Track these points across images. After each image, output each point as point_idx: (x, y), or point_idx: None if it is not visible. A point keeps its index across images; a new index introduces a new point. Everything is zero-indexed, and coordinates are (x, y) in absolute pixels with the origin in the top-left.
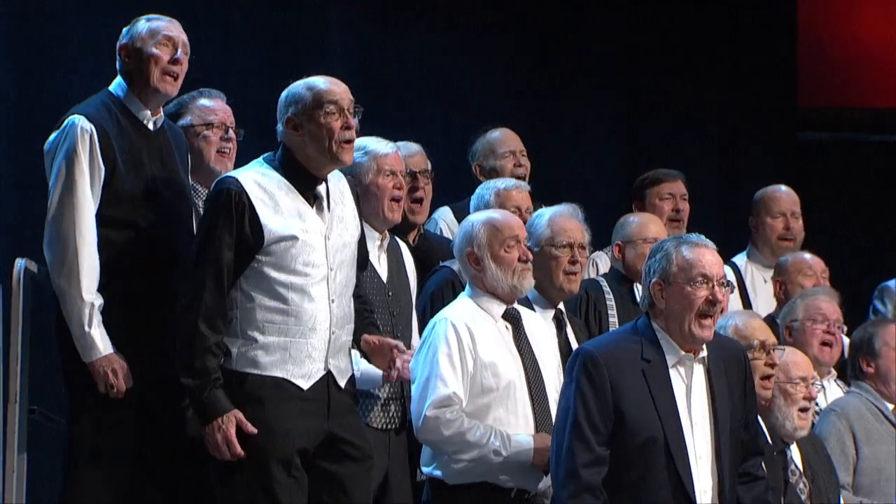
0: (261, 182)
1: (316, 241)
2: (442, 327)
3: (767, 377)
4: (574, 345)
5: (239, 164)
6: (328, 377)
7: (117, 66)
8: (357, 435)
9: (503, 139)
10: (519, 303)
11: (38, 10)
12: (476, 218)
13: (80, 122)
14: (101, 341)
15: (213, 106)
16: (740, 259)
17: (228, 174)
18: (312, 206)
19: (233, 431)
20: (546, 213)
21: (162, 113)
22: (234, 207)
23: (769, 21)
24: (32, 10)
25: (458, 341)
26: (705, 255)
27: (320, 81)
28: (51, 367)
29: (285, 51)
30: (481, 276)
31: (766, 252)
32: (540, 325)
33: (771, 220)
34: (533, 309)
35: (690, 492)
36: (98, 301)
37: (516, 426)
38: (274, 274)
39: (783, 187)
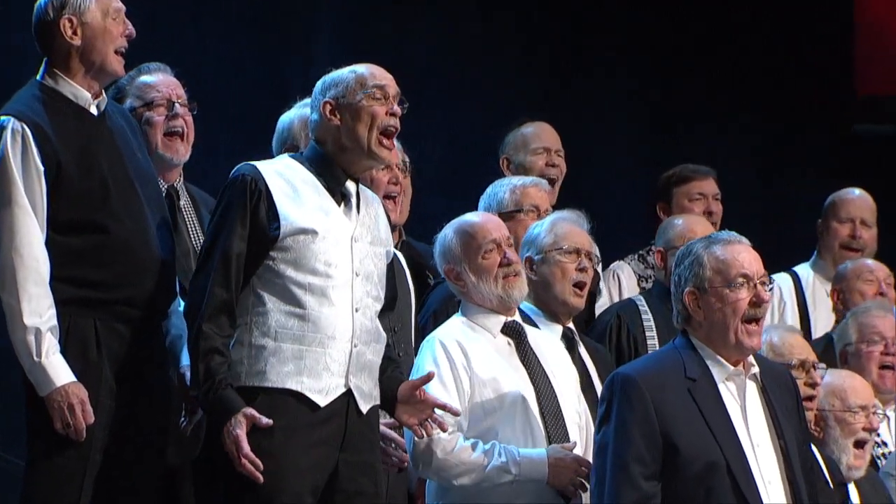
0: (282, 172)
1: (340, 240)
2: (428, 347)
3: (809, 398)
4: (589, 365)
5: (205, 149)
6: (349, 397)
7: (45, 46)
8: (368, 482)
9: (538, 133)
10: (522, 320)
11: None
12: (449, 227)
13: (10, 124)
14: (55, 371)
15: (153, 82)
16: (803, 268)
17: (247, 162)
18: (340, 206)
19: (242, 433)
20: (546, 220)
21: (104, 94)
22: (250, 195)
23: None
24: None
25: (447, 360)
26: (740, 252)
27: (367, 66)
28: (4, 398)
29: (270, 40)
30: (466, 291)
31: (829, 260)
32: (547, 339)
33: (837, 224)
34: (537, 327)
35: None
36: (47, 325)
37: (527, 447)
38: (290, 273)
39: (857, 191)
